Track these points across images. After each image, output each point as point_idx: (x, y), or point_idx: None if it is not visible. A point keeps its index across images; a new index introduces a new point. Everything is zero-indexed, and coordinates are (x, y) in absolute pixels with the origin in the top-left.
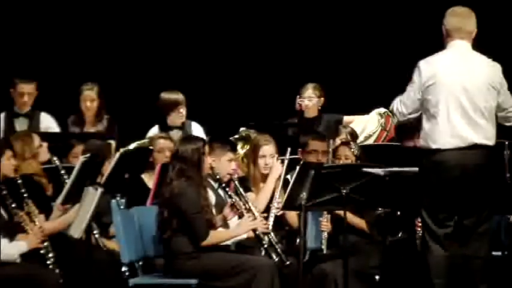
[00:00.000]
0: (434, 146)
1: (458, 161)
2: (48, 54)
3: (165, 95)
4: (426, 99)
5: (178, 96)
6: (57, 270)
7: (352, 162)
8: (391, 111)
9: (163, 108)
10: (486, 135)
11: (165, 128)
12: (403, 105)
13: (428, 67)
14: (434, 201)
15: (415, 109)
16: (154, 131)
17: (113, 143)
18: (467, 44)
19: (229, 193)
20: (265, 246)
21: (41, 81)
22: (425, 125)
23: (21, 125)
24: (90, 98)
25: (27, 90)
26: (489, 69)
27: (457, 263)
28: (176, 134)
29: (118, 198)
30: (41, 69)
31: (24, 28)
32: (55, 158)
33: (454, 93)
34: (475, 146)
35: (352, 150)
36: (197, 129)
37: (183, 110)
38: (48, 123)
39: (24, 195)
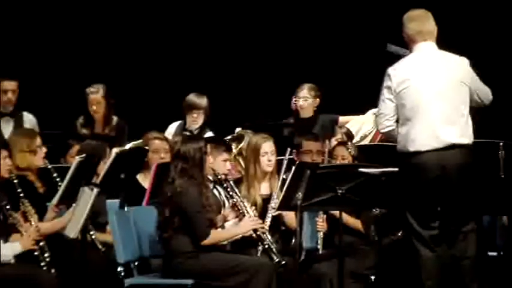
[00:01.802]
0: (412, 149)
1: (437, 162)
2: (53, 54)
3: (187, 97)
4: (400, 104)
5: (196, 101)
6: (52, 271)
7: (349, 162)
8: (382, 133)
9: (183, 109)
10: (463, 134)
11: (183, 128)
12: (383, 117)
13: (398, 73)
14: (418, 203)
15: (395, 115)
16: (173, 127)
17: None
18: (432, 44)
19: (230, 193)
20: (266, 246)
21: (46, 80)
22: (401, 129)
23: (6, 124)
24: (96, 101)
25: (10, 88)
26: (458, 66)
27: (446, 264)
28: None
29: (121, 199)
30: (44, 69)
31: (33, 27)
32: (46, 161)
33: (428, 95)
34: (453, 146)
35: (349, 150)
36: None
37: (196, 115)
38: (31, 122)
39: (20, 195)
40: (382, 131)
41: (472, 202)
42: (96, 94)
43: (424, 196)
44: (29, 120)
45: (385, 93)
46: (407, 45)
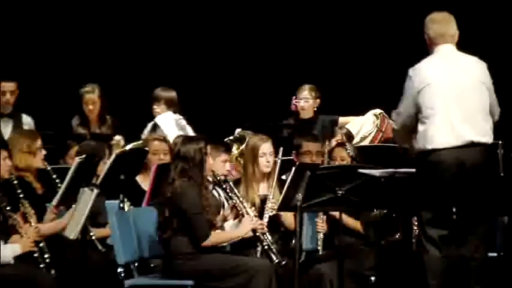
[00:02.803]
0: (430, 147)
1: (455, 160)
2: (47, 54)
3: None
4: (420, 103)
5: (155, 93)
6: (52, 271)
7: (347, 163)
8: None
9: None
10: (482, 133)
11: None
12: (397, 114)
13: (418, 72)
14: (432, 201)
15: (409, 115)
16: (149, 127)
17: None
18: (453, 46)
19: (229, 194)
20: (265, 247)
21: (40, 81)
22: (420, 127)
23: (5, 125)
24: (91, 101)
25: (9, 89)
26: (478, 67)
27: (453, 264)
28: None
29: (126, 200)
30: (37, 70)
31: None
32: (46, 163)
33: (447, 94)
34: (472, 144)
35: (348, 151)
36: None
37: (156, 107)
38: (30, 125)
39: (20, 195)
40: (395, 127)
41: (487, 202)
42: (92, 94)
43: (440, 194)
44: (28, 122)
45: (405, 93)
46: (427, 46)
